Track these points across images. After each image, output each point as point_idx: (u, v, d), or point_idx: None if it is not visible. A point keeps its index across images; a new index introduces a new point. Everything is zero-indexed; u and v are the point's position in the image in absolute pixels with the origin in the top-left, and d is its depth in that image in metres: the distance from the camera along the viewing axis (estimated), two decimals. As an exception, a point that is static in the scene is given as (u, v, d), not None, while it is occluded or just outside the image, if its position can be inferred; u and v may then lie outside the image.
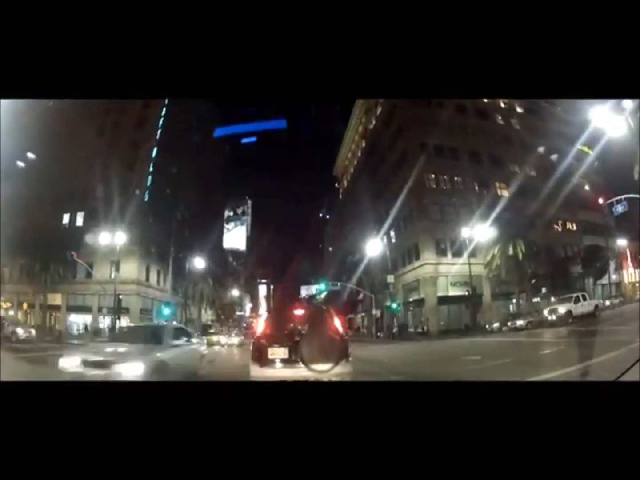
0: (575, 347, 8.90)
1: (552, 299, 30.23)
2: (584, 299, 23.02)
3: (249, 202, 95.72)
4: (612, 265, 32.58)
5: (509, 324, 24.08)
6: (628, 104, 15.76)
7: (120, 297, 28.82)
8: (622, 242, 32.74)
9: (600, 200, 29.32)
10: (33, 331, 23.61)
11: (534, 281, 28.91)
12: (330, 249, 61.58)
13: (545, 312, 22.89)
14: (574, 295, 23.57)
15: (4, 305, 29.66)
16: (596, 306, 23.25)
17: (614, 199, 19.95)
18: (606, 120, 17.56)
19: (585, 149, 28.10)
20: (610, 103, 16.39)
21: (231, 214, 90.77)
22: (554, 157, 30.83)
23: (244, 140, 68.53)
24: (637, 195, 18.10)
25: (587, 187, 35.43)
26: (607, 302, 27.28)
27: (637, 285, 33.07)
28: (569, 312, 21.60)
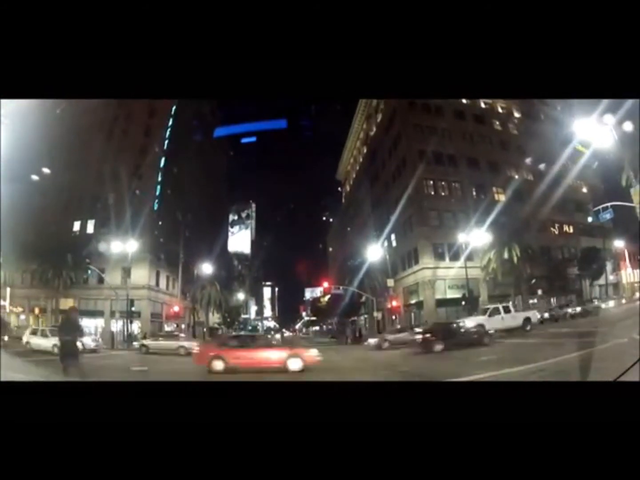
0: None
1: (553, 300, 30.90)
2: (507, 311, 19.46)
3: (253, 205, 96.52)
4: (609, 266, 33.14)
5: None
6: (610, 119, 16.57)
7: (132, 301, 29.87)
8: (619, 244, 33.32)
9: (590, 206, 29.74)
10: (101, 340, 23.12)
11: (531, 283, 29.44)
12: (335, 252, 62.12)
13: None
14: (491, 306, 20.39)
15: (15, 310, 30.57)
16: (527, 319, 19.41)
17: (600, 207, 20.44)
18: (591, 133, 18.27)
19: (582, 148, 28.10)
20: (593, 117, 17.21)
21: (235, 217, 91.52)
22: (541, 166, 31.41)
23: (244, 140, 68.82)
24: (623, 203, 18.89)
25: (584, 190, 36.19)
26: (603, 305, 26.70)
27: (637, 285, 33.59)
28: (481, 327, 17.91)
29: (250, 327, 64.16)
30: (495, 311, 19.59)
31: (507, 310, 19.70)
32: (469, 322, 18.76)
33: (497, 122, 36.77)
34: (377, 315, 33.62)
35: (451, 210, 31.83)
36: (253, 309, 73.96)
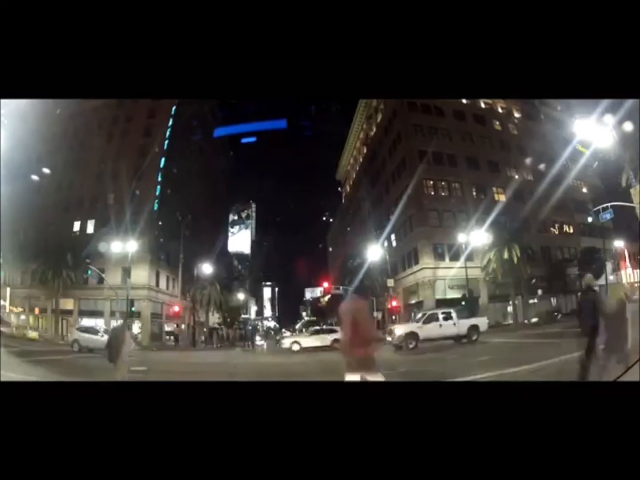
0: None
1: (553, 299, 30.88)
2: (447, 318, 17.75)
3: (253, 205, 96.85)
4: (609, 266, 33.13)
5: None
6: (610, 119, 16.60)
7: (132, 301, 29.91)
8: (619, 244, 33.38)
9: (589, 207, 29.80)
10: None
11: (531, 283, 29.58)
12: (335, 252, 62.35)
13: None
14: (428, 312, 18.94)
15: (15, 310, 30.74)
16: (473, 327, 17.72)
17: (600, 207, 20.39)
18: (591, 133, 18.30)
19: (582, 148, 28.04)
20: (593, 118, 17.23)
21: (235, 217, 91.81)
22: (541, 166, 31.49)
23: (244, 140, 69.25)
24: (623, 203, 18.91)
25: (584, 190, 36.26)
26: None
27: (637, 285, 33.60)
28: (412, 335, 16.92)
29: (250, 327, 64.35)
30: (432, 318, 17.88)
31: (447, 317, 17.94)
32: (399, 330, 17.35)
33: (497, 122, 36.94)
34: (377, 315, 33.67)
35: (451, 210, 31.93)
36: (253, 309, 74.05)
